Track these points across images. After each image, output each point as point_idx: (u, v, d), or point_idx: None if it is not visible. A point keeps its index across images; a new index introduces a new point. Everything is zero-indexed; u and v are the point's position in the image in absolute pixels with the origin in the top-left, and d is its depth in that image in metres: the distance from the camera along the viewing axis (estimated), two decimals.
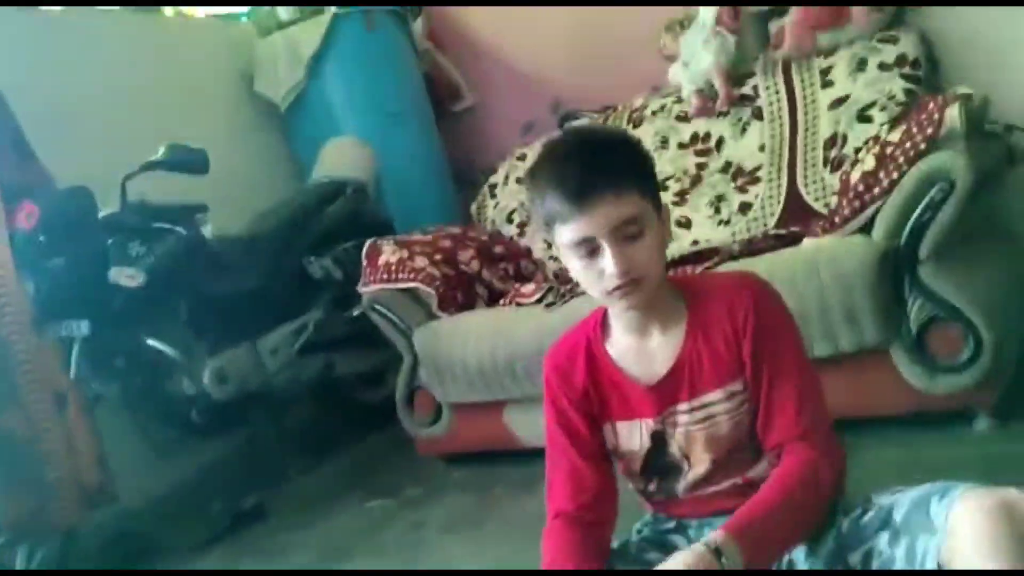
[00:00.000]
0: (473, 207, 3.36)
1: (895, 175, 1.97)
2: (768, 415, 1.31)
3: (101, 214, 2.70)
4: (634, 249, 1.25)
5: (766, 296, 1.34)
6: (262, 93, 3.82)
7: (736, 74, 2.78)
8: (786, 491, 1.23)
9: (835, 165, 2.50)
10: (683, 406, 1.34)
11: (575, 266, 1.30)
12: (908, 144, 1.96)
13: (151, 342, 2.77)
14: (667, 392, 1.34)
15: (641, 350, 1.36)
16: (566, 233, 1.26)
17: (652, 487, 1.41)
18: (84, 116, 3.13)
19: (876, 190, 2.01)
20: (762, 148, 2.69)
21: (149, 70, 3.45)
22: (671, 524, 1.44)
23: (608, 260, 1.24)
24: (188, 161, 2.80)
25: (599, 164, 1.25)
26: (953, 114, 1.90)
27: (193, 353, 2.88)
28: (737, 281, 1.39)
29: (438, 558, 2.13)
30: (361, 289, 2.79)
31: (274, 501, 2.86)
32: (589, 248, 1.25)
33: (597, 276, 1.27)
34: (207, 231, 2.95)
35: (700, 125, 2.83)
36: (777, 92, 2.70)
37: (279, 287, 3.18)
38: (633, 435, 1.38)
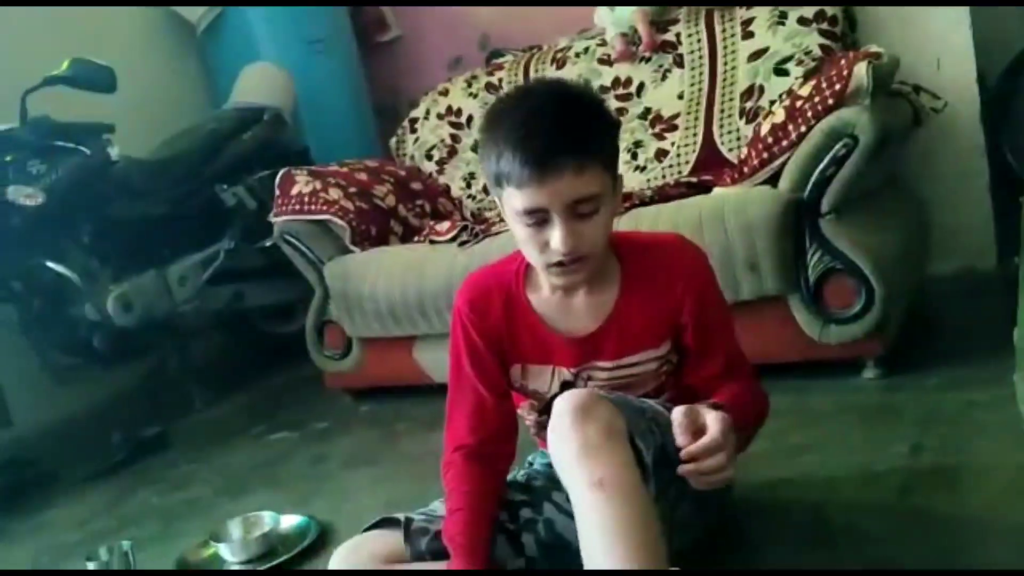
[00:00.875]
0: (392, 141, 3.31)
1: (803, 128, 2.00)
2: (699, 364, 1.38)
3: None
4: (585, 226, 1.22)
5: (702, 258, 1.38)
6: (179, 12, 3.67)
7: (660, 20, 2.78)
8: (748, 398, 1.34)
9: (750, 116, 2.53)
10: (604, 363, 1.37)
11: (518, 231, 1.26)
12: (817, 99, 1.99)
13: (51, 265, 2.68)
14: (589, 348, 1.36)
15: (566, 304, 1.36)
16: (517, 199, 1.21)
17: (541, 432, 1.43)
18: None
19: (784, 143, 2.04)
20: (681, 96, 2.70)
21: None
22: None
23: (557, 235, 1.20)
24: (93, 78, 2.69)
25: (566, 131, 1.18)
26: (860, 72, 1.93)
27: (96, 278, 2.81)
28: (673, 242, 1.39)
29: (334, 490, 2.14)
30: (272, 219, 2.74)
31: (177, 432, 2.82)
32: (539, 219, 1.21)
33: (540, 246, 1.23)
34: (114, 152, 2.86)
35: (622, 70, 2.82)
36: (699, 41, 2.71)
37: (189, 214, 3.11)
38: (543, 378, 1.40)
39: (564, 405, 1.19)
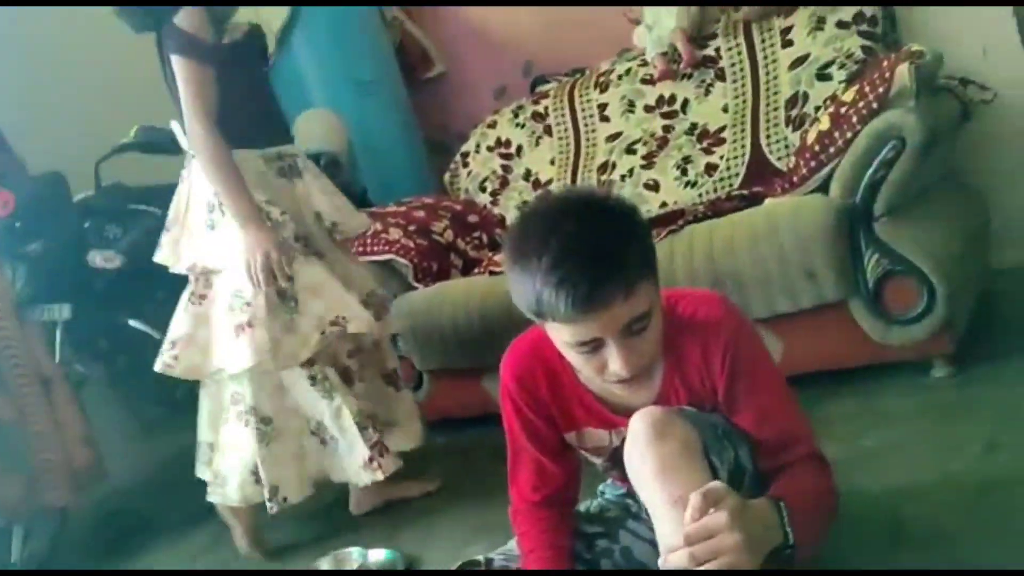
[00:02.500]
0: (446, 176, 3.39)
1: (849, 134, 2.02)
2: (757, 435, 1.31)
3: (77, 198, 2.73)
4: (641, 341, 1.20)
5: (736, 333, 1.32)
6: None
7: (698, 36, 2.81)
8: (808, 487, 1.26)
9: (797, 124, 2.55)
10: None
11: (571, 356, 1.24)
12: (861, 104, 2.01)
13: (133, 323, 2.81)
14: None
15: (627, 390, 1.32)
16: (564, 332, 1.18)
17: (613, 470, 1.46)
18: (56, 100, 3.14)
19: (832, 149, 2.06)
20: (725, 109, 2.73)
21: (118, 49, 3.43)
22: (624, 489, 1.51)
23: (616, 360, 1.18)
24: (159, 141, 2.82)
25: (607, 263, 1.13)
26: (903, 73, 1.95)
27: None
28: (710, 317, 1.32)
29: (419, 522, 2.20)
30: None
31: None
32: (593, 346, 1.19)
33: (598, 369, 1.22)
34: None
35: (665, 88, 2.86)
36: (739, 53, 2.74)
37: None
38: (602, 438, 1.42)
39: (640, 424, 1.21)
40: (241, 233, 2.06)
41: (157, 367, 2.22)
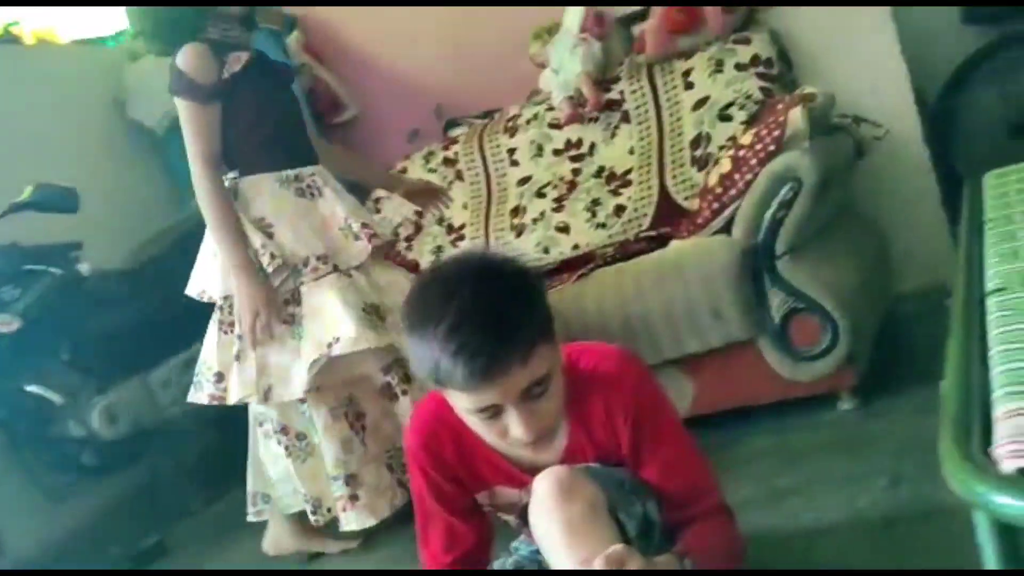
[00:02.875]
0: None
1: (748, 177, 2.06)
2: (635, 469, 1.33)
3: None
4: (542, 404, 1.19)
5: (638, 387, 1.32)
6: (136, 119, 3.73)
7: (603, 79, 2.85)
8: (716, 541, 1.28)
9: (701, 164, 2.59)
10: None
11: (471, 422, 1.23)
12: (759, 146, 2.06)
13: (30, 388, 2.70)
14: None
15: (532, 452, 1.31)
16: (463, 400, 1.17)
17: (526, 527, 1.44)
18: None
19: (733, 191, 2.10)
20: (632, 151, 2.77)
21: (12, 102, 3.34)
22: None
23: (516, 425, 1.17)
24: (57, 200, 2.74)
25: (503, 330, 1.12)
26: (796, 117, 2.00)
27: (79, 394, 2.83)
28: (612, 371, 1.32)
29: None
30: None
31: (176, 536, 2.82)
32: (492, 412, 1.18)
33: (500, 433, 1.21)
34: (84, 268, 2.89)
35: (573, 131, 2.89)
36: (643, 95, 2.78)
37: (167, 317, 3.12)
38: (512, 496, 1.40)
39: (544, 485, 1.21)
40: (232, 281, 2.11)
41: (204, 400, 2.26)
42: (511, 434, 1.19)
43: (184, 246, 3.23)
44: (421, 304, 1.19)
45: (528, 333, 1.15)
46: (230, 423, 3.42)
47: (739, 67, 2.61)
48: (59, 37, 3.80)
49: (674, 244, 2.23)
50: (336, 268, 2.16)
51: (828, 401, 2.15)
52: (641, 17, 2.88)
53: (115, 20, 3.87)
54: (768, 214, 2.04)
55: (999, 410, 0.80)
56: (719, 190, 2.13)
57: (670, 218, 2.59)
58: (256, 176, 2.18)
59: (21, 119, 3.34)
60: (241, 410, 3.39)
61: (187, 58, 2.11)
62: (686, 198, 2.62)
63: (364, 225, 2.21)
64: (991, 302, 1.10)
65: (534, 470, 1.33)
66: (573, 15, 2.87)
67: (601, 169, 2.80)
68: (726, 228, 2.15)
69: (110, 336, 2.95)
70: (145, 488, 3.23)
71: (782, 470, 1.95)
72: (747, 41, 2.64)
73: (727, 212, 2.12)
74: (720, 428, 2.18)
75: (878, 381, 2.17)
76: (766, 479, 1.92)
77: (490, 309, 1.13)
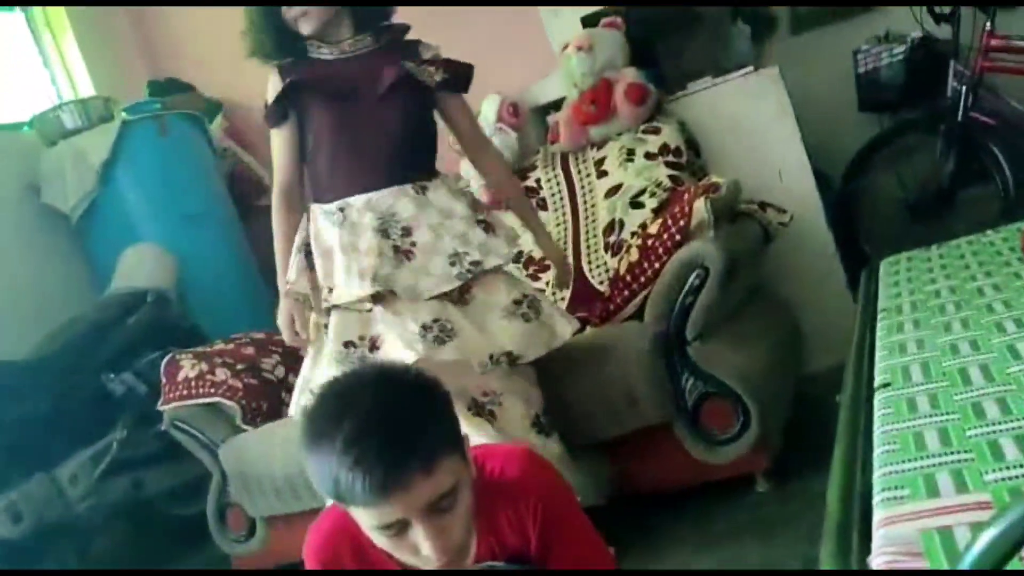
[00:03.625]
0: None
1: (656, 265, 2.12)
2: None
3: None
4: (450, 519, 1.13)
5: (545, 489, 1.31)
6: (50, 204, 3.66)
7: (519, 168, 2.91)
8: None
9: (615, 249, 2.65)
10: None
11: (378, 540, 1.16)
12: (665, 236, 2.12)
13: None
14: None
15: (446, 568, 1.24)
16: (365, 517, 1.13)
17: None
18: None
19: (642, 279, 2.15)
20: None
21: None
22: None
23: (425, 543, 1.11)
24: None
25: (402, 443, 1.08)
26: (700, 208, 2.07)
27: None
28: (518, 474, 1.30)
29: None
30: (161, 407, 2.70)
31: None
32: (398, 528, 1.12)
33: (410, 551, 1.15)
34: None
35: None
36: (558, 183, 2.85)
37: (74, 409, 3.03)
38: None
39: None
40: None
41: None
42: (422, 552, 1.14)
43: (96, 335, 3.18)
44: (319, 418, 1.14)
45: (431, 443, 1.11)
46: (142, 517, 3.32)
47: (649, 156, 2.70)
48: None
49: (588, 331, 2.26)
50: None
51: (745, 483, 2.18)
52: (555, 107, 2.97)
53: (32, 104, 3.82)
54: (677, 300, 2.09)
55: (877, 516, 0.82)
56: (628, 278, 2.17)
57: (587, 301, 2.62)
58: (312, 206, 2.12)
59: None
60: (158, 502, 3.29)
61: (270, 80, 2.07)
62: (601, 283, 2.67)
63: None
64: (878, 398, 1.12)
65: None
66: (489, 104, 2.94)
67: (519, 254, 2.83)
68: (638, 314, 2.19)
69: (12, 429, 2.83)
70: None
71: (702, 555, 1.96)
72: (657, 131, 2.73)
73: (637, 299, 2.17)
74: (642, 513, 2.18)
75: (792, 462, 2.20)
76: (687, 565, 1.92)
77: (389, 419, 1.10)
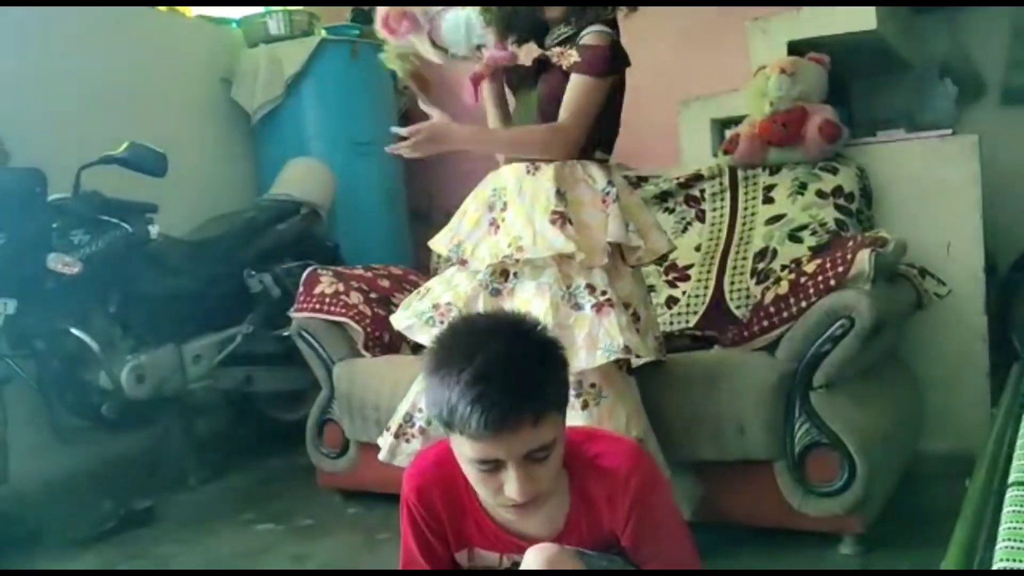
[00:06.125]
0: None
1: (804, 304, 2.08)
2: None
3: (51, 198, 2.73)
4: (540, 469, 1.21)
5: (645, 487, 1.33)
6: (238, 101, 3.88)
7: (692, 175, 2.89)
8: None
9: (761, 277, 2.61)
10: None
11: (469, 472, 1.24)
12: (820, 278, 2.08)
13: (75, 331, 2.79)
14: None
15: (518, 515, 1.31)
16: (468, 448, 1.19)
17: None
18: (55, 100, 3.16)
19: (785, 314, 2.12)
20: (698, 248, 2.81)
21: (128, 62, 3.50)
22: None
23: (513, 484, 1.19)
24: (147, 162, 2.85)
25: (523, 388, 1.16)
26: (863, 259, 2.02)
27: (115, 348, 2.91)
28: (620, 466, 1.33)
29: None
30: (292, 314, 2.84)
31: (167, 507, 2.86)
32: (492, 466, 1.20)
33: (494, 490, 1.22)
34: (153, 231, 2.99)
35: None
36: (722, 200, 2.83)
37: (214, 295, 3.22)
38: (492, 560, 1.42)
39: (534, 559, 1.23)
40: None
41: None
42: (506, 492, 1.21)
43: (248, 232, 3.37)
44: (450, 347, 1.22)
45: (545, 397, 1.19)
46: (245, 410, 3.52)
47: (820, 194, 2.64)
48: (189, 10, 3.98)
49: (717, 350, 2.25)
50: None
51: (829, 541, 2.13)
52: (735, 122, 2.93)
53: (246, 7, 4.04)
54: (815, 344, 2.06)
55: None
56: (772, 309, 2.14)
57: (717, 322, 2.61)
58: None
59: (134, 78, 3.49)
60: (261, 400, 3.47)
61: None
62: (737, 307, 2.64)
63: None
64: (1010, 494, 1.09)
65: (520, 536, 1.36)
66: None
67: (664, 258, 2.82)
68: (770, 347, 2.16)
69: (158, 300, 3.04)
70: (151, 452, 3.30)
71: None
72: (834, 171, 2.67)
73: (774, 333, 2.14)
74: (720, 534, 2.17)
75: (885, 533, 2.15)
76: None
77: (515, 366, 1.17)
